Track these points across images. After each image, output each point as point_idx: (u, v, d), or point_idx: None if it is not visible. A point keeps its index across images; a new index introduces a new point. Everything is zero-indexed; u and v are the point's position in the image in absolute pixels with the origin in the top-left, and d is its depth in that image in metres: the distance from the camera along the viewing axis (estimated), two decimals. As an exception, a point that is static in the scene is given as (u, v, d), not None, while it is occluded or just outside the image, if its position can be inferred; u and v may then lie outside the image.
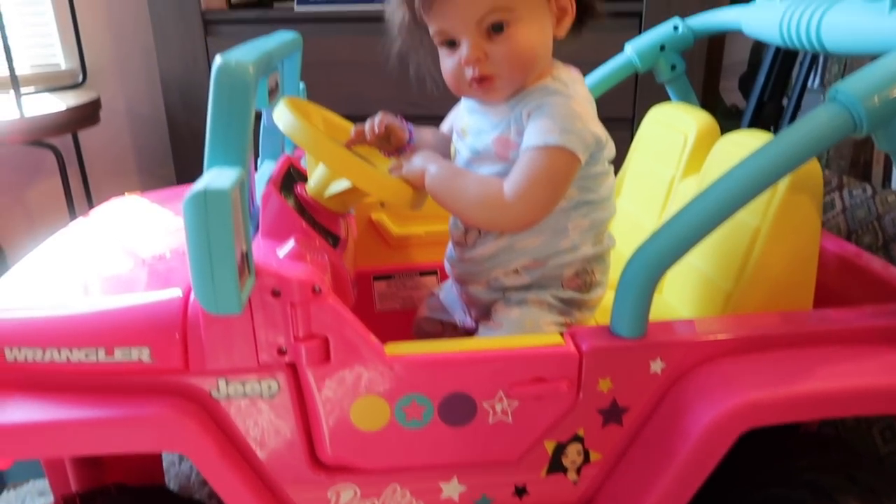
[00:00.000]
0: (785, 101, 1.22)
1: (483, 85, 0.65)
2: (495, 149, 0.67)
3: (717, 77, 1.35)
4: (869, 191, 1.04)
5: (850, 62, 1.11)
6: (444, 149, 0.78)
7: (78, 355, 0.62)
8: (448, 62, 0.66)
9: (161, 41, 1.56)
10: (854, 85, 0.58)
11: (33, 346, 0.63)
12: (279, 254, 0.64)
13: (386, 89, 1.49)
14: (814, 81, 1.21)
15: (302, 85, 1.09)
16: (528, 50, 0.63)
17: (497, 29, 0.63)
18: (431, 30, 0.65)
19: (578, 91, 0.66)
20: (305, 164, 0.95)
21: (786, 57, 1.15)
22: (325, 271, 0.65)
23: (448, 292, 0.84)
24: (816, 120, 0.59)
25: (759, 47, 1.30)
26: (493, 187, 0.64)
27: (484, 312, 0.75)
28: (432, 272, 1.09)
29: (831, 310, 0.70)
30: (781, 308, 0.72)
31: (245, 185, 0.56)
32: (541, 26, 0.64)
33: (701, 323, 0.70)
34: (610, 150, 0.68)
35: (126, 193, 1.02)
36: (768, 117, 1.19)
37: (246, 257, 0.57)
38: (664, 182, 0.94)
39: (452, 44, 0.65)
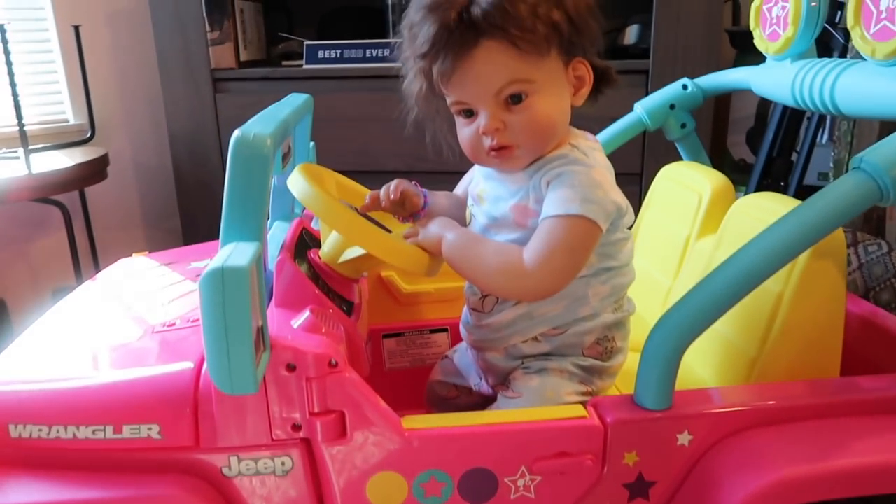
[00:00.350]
0: (794, 157, 1.22)
1: (502, 154, 0.64)
2: (513, 216, 0.67)
3: (724, 132, 1.36)
4: (885, 247, 1.03)
5: (859, 120, 1.12)
6: (458, 213, 0.77)
7: (85, 433, 0.60)
8: (466, 131, 0.66)
9: (170, 98, 1.57)
10: (879, 154, 0.57)
11: (38, 423, 0.61)
12: (294, 325, 0.62)
13: (393, 145, 1.50)
14: (822, 137, 1.21)
15: (312, 144, 1.09)
16: (546, 120, 0.63)
17: (516, 100, 0.62)
18: (449, 99, 0.65)
19: (598, 159, 0.65)
20: (317, 224, 0.95)
21: (794, 113, 1.16)
22: (341, 342, 0.64)
23: (462, 355, 0.83)
24: (842, 189, 0.58)
25: (765, 102, 1.31)
26: (513, 256, 0.63)
27: (502, 380, 0.73)
28: (443, 330, 1.07)
29: (862, 378, 0.68)
30: (808, 374, 0.70)
31: (261, 260, 0.55)
32: (559, 96, 0.64)
33: (728, 393, 0.68)
34: (629, 216, 0.67)
35: (133, 254, 1.01)
36: (778, 172, 1.19)
37: (261, 332, 0.56)
38: (679, 241, 0.93)
39: (470, 113, 0.65)
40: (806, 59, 0.87)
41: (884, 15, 0.72)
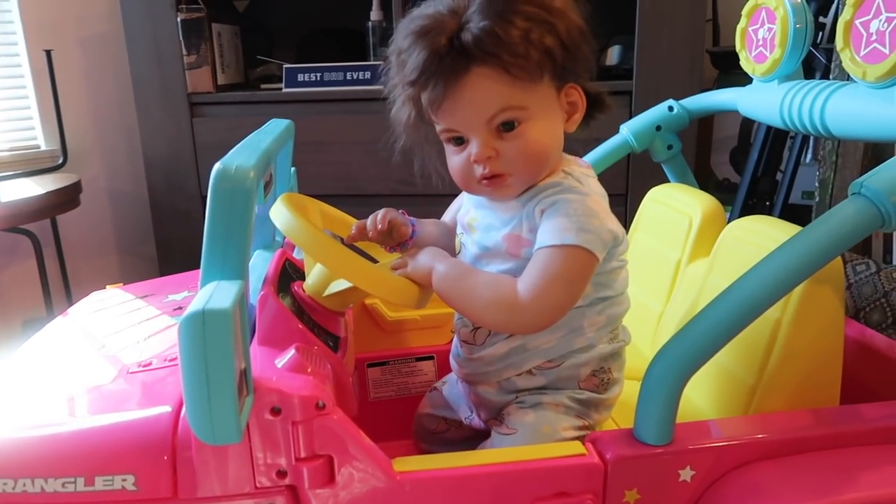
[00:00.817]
0: (778, 176, 1.22)
1: (494, 183, 0.62)
2: (506, 246, 0.64)
3: (708, 151, 1.36)
4: (873, 266, 1.03)
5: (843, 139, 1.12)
6: (447, 242, 0.75)
7: (54, 485, 0.56)
8: (456, 159, 0.64)
9: (145, 123, 1.54)
10: (880, 179, 0.56)
11: (3, 477, 0.56)
12: (278, 364, 0.59)
13: (377, 168, 1.48)
14: (806, 156, 1.21)
15: (293, 170, 1.07)
16: (539, 147, 0.61)
17: (508, 127, 0.61)
18: (439, 127, 0.63)
19: (592, 187, 0.64)
20: (300, 254, 0.92)
21: (778, 132, 1.16)
22: (328, 381, 0.61)
23: (452, 387, 0.80)
24: (843, 215, 0.57)
25: (749, 121, 1.31)
26: (507, 288, 0.61)
27: (495, 414, 0.70)
28: (429, 357, 1.04)
29: (864, 406, 0.66)
30: (808, 403, 0.68)
31: (245, 299, 0.52)
32: (552, 122, 0.63)
33: (731, 425, 0.66)
34: (625, 244, 0.65)
35: (107, 286, 0.97)
36: (763, 192, 1.18)
37: (245, 374, 0.53)
38: (670, 265, 0.92)
39: (461, 141, 0.63)
40: (794, 81, 0.86)
41: (874, 38, 0.71)
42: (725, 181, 1.36)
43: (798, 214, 0.82)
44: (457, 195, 0.81)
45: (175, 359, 0.65)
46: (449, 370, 0.99)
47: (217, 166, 0.53)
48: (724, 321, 0.58)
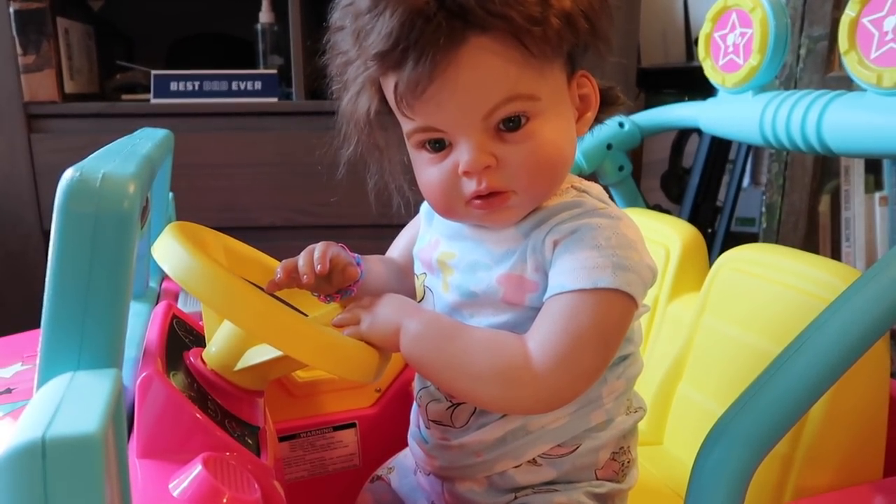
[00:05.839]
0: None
1: (491, 204, 0.45)
2: (502, 292, 0.47)
3: (637, 176, 1.27)
4: None
5: (790, 160, 1.06)
6: (398, 286, 0.56)
7: None
8: (432, 172, 0.45)
9: (-34, 139, 1.22)
10: None
11: None
12: (175, 493, 0.37)
13: (267, 195, 1.26)
14: (744, 180, 1.15)
15: (170, 195, 0.84)
16: (555, 153, 0.45)
17: (512, 125, 0.43)
18: (409, 125, 0.45)
19: (621, 210, 0.48)
20: (188, 305, 0.69)
21: (717, 157, 1.08)
22: (253, 506, 0.39)
23: (405, 477, 0.60)
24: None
25: (679, 146, 1.24)
26: (513, 350, 0.43)
27: (480, 522, 0.52)
28: (349, 425, 0.85)
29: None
30: (854, 475, 0.56)
31: (121, 403, 0.30)
32: (566, 123, 0.46)
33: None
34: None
35: None
36: (704, 219, 1.10)
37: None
38: (647, 302, 0.78)
39: (441, 145, 0.45)
40: (773, 91, 0.77)
41: (889, 36, 0.62)
42: (657, 207, 1.28)
43: (739, 243, 0.72)
44: (387, 225, 0.62)
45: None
46: (377, 440, 0.78)
47: (69, 175, 0.31)
48: (810, 380, 0.44)
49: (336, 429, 0.84)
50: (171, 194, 0.84)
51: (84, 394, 0.27)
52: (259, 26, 1.29)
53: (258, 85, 1.21)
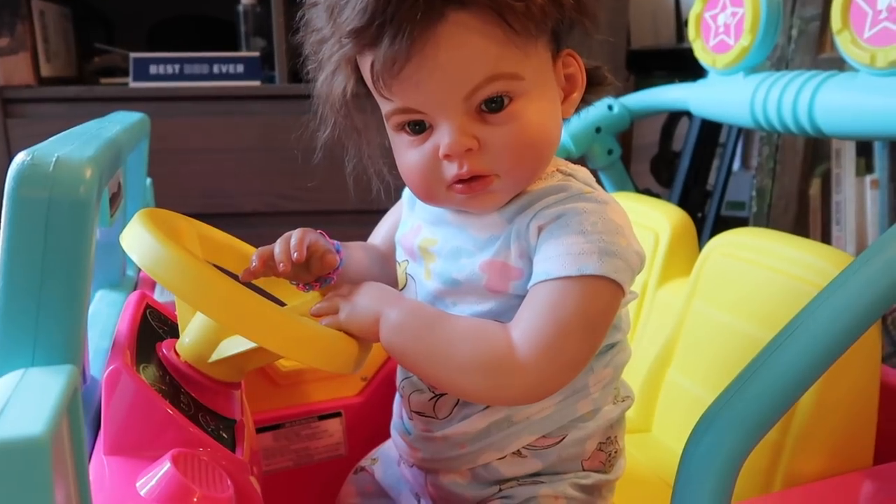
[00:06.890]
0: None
1: (473, 188, 0.43)
2: (485, 279, 0.45)
3: (627, 160, 1.26)
4: None
5: (781, 144, 1.05)
6: (380, 273, 0.54)
7: None
8: (412, 155, 0.44)
9: (-61, 125, 1.19)
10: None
11: None
12: (142, 492, 0.36)
13: (250, 180, 1.24)
14: (734, 164, 1.13)
15: (148, 181, 0.82)
16: (540, 134, 0.43)
17: (495, 105, 0.42)
18: (388, 106, 0.43)
19: (608, 194, 0.46)
20: (163, 295, 0.67)
21: (707, 140, 1.07)
22: None
23: (389, 468, 0.59)
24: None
25: (669, 129, 1.23)
26: (496, 340, 0.42)
27: (464, 514, 0.50)
28: (335, 414, 0.84)
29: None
30: (845, 461, 0.55)
31: (79, 395, 0.29)
32: (551, 104, 0.44)
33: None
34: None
35: None
36: (694, 203, 1.09)
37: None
38: (635, 288, 0.77)
39: (421, 127, 0.43)
40: (764, 73, 0.75)
41: (884, 15, 0.61)
42: (647, 191, 1.27)
43: (729, 227, 0.71)
44: (372, 211, 0.60)
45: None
46: (363, 429, 0.76)
47: (20, 158, 0.29)
48: (802, 367, 0.42)
49: (321, 418, 0.83)
50: (149, 180, 0.82)
51: (34, 392, 0.26)
52: (241, 7, 1.26)
53: (240, 68, 1.19)
